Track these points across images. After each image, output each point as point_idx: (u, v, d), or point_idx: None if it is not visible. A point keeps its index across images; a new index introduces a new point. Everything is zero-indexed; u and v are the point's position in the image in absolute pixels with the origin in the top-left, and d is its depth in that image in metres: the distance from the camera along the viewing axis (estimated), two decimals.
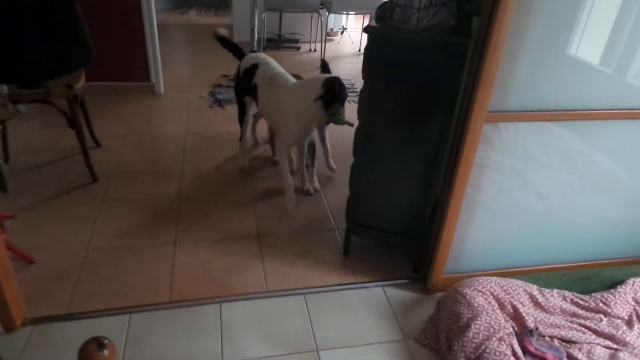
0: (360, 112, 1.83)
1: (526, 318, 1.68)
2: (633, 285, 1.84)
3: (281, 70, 2.46)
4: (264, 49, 4.95)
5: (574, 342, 1.64)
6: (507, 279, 1.83)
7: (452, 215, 1.79)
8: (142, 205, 2.41)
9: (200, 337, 1.71)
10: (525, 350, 1.57)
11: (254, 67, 2.48)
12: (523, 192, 1.84)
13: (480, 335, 1.57)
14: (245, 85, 2.52)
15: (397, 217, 2.01)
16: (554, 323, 1.70)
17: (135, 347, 1.65)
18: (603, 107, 1.71)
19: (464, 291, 1.73)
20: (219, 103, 3.65)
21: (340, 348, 1.71)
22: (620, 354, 1.58)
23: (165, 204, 2.43)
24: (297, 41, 5.41)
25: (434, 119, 1.75)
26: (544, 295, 1.79)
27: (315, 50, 5.26)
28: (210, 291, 1.91)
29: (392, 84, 1.74)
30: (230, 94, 3.81)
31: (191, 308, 1.83)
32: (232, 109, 3.57)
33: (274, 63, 2.51)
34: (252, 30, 4.93)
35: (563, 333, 1.66)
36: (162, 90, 3.75)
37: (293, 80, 2.39)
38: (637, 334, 1.67)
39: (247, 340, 1.71)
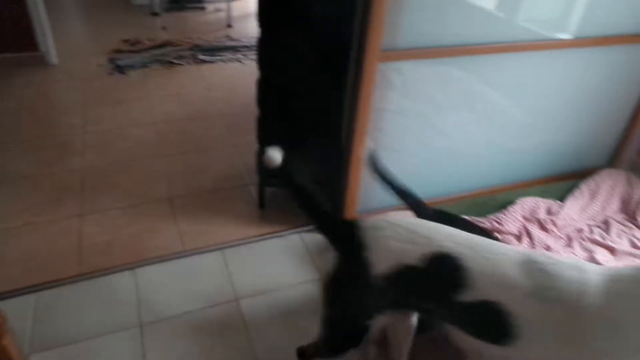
0: (259, 62, 1.81)
1: None
2: (522, 205, 2.03)
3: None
4: (166, 11, 4.68)
5: None
6: None
7: (356, 160, 1.85)
8: (42, 181, 2.25)
9: (115, 304, 1.67)
10: None
11: (458, 263, 1.02)
12: (426, 132, 1.94)
13: None
14: (425, 291, 1.09)
15: (310, 166, 2.04)
16: None
17: (44, 324, 1.59)
18: (494, 42, 1.81)
19: None
20: (120, 69, 3.42)
21: (260, 295, 1.75)
22: None
23: (68, 177, 2.29)
24: (201, 1, 5.16)
25: (335, 64, 1.76)
26: None
27: (221, 10, 5.05)
28: (123, 258, 1.86)
29: (287, 28, 1.73)
30: (132, 58, 3.58)
31: (103, 278, 1.77)
32: (136, 75, 3.38)
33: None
34: None
35: None
36: (55, 61, 3.45)
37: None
38: (525, 246, 1.87)
39: (166, 300, 1.70)
